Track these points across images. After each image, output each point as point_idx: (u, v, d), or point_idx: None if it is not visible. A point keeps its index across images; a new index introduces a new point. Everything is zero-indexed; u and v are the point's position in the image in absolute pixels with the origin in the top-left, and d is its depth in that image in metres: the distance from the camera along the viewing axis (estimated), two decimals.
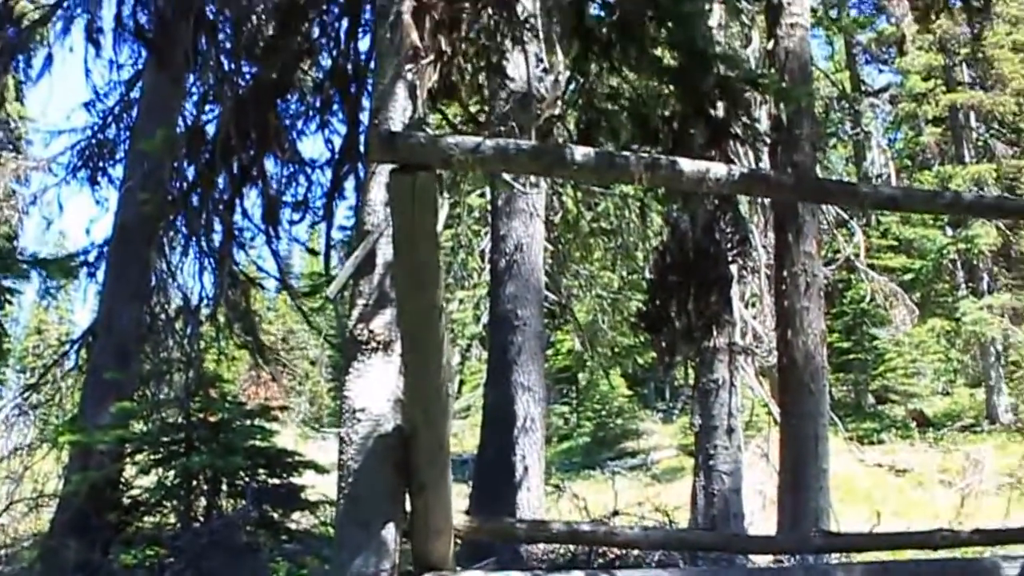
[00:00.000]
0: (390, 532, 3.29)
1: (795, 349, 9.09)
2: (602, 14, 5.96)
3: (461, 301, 19.87)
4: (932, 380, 26.15)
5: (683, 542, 4.63)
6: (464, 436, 18.91)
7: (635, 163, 2.94)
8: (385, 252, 3.59)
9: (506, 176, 7.77)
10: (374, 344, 3.48)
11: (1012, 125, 24.50)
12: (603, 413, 26.20)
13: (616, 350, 18.89)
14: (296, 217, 5.94)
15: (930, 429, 22.69)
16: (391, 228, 3.11)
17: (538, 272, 9.18)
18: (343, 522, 3.39)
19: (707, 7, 9.02)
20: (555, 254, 13.13)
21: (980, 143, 26.02)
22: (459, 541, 3.66)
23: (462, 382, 29.42)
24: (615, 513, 8.35)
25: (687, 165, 2.98)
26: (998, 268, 25.04)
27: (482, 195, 14.54)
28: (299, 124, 6.00)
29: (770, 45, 9.46)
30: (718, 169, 3.02)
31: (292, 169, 6.03)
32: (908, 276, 25.31)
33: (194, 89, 8.22)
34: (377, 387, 3.44)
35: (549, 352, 21.59)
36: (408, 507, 3.41)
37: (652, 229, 11.25)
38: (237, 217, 5.93)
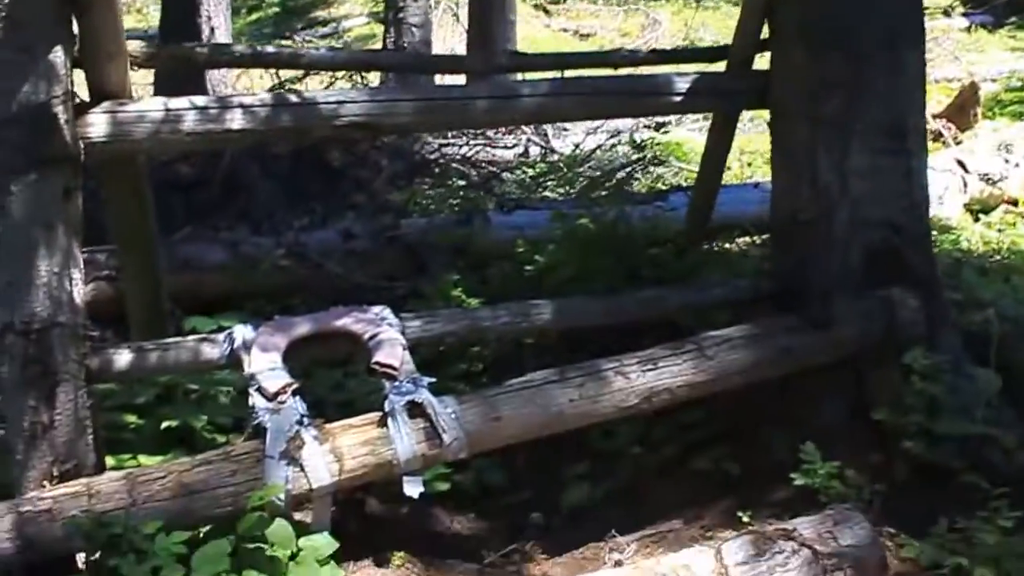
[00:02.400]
0: (58, 56, 2.98)
1: None
2: None
3: None
4: None
5: (370, 63, 4.59)
6: (150, 12, 17.79)
7: None
8: None
9: None
10: None
11: None
12: None
13: None
14: None
15: None
16: None
17: None
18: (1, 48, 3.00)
19: None
20: None
21: None
22: (136, 68, 3.42)
23: None
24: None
25: None
26: None
27: None
28: None
29: None
30: None
31: None
32: None
33: None
34: None
35: None
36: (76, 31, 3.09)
37: None
38: None
